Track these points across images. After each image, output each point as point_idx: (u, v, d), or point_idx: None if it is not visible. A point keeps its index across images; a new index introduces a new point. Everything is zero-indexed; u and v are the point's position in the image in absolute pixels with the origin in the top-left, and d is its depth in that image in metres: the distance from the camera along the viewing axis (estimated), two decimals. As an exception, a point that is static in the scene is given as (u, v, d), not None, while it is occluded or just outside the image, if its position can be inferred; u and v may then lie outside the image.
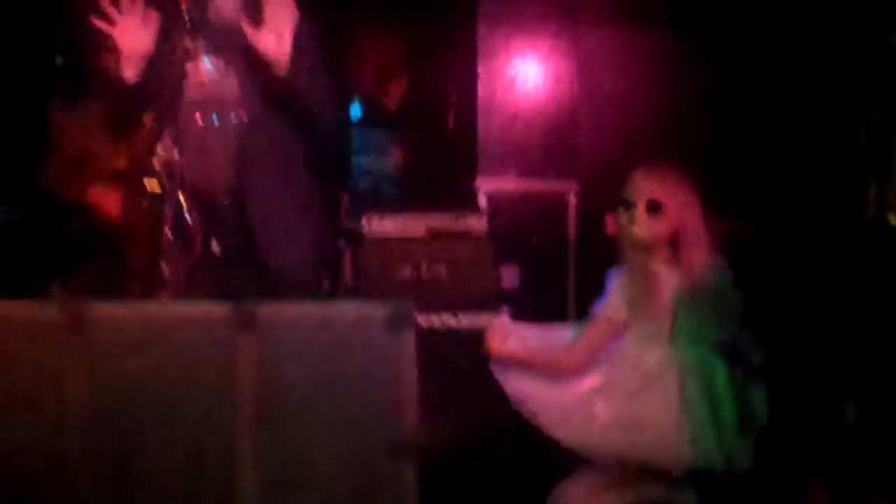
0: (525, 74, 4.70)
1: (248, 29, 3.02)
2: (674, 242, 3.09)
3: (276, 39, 3.01)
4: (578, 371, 3.09)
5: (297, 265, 3.29)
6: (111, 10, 3.00)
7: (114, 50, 3.06)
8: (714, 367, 3.03)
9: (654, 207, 3.06)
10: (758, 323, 3.18)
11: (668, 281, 3.07)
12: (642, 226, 3.06)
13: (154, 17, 3.07)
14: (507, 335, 3.18)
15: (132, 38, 3.04)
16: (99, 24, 3.01)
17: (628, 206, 3.09)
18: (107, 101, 3.25)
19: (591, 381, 3.10)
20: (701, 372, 3.02)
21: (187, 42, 3.02)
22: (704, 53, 4.64)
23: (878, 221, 4.00)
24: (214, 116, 3.15)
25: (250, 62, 3.15)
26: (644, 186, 3.09)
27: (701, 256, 3.08)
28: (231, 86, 3.17)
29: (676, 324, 3.05)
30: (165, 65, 3.08)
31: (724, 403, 3.00)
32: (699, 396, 2.99)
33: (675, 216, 3.06)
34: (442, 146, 5.51)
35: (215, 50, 3.10)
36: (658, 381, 3.02)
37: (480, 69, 4.70)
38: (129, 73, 3.08)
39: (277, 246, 3.17)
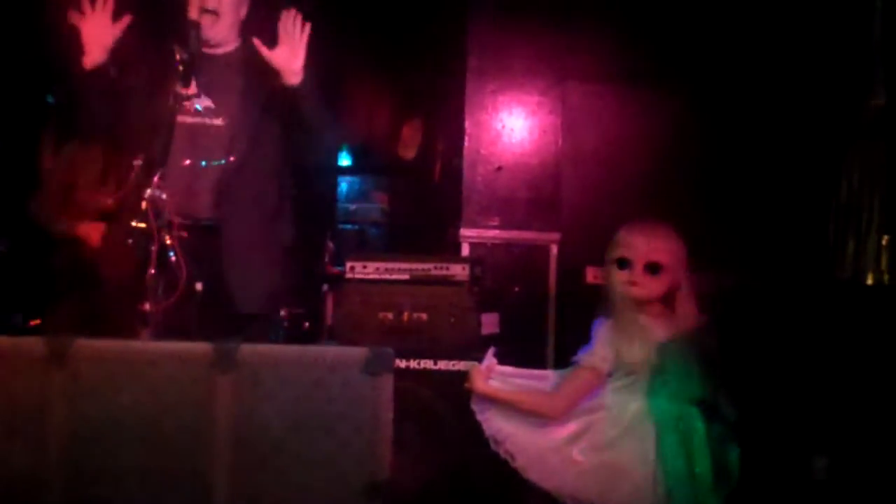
0: (511, 128, 4.78)
1: (262, 48, 3.20)
2: (665, 298, 3.12)
3: (289, 52, 3.22)
4: (559, 418, 3.11)
5: (268, 311, 3.35)
6: (85, 5, 3.17)
7: (79, 42, 3.19)
8: (692, 422, 3.05)
9: (653, 269, 3.07)
10: (733, 377, 3.21)
11: (655, 335, 3.09)
12: (642, 286, 3.07)
13: (126, 20, 3.21)
14: (492, 375, 3.19)
15: (97, 29, 3.19)
16: (72, 15, 3.17)
17: (624, 263, 3.09)
18: (79, 100, 3.33)
19: (570, 427, 3.11)
20: (679, 426, 3.03)
21: (179, 88, 3.08)
22: (688, 111, 4.70)
23: (854, 281, 4.05)
24: (202, 160, 3.22)
25: (247, 98, 3.24)
26: (642, 246, 3.09)
27: (691, 312, 3.11)
28: (221, 125, 3.25)
29: (658, 377, 3.07)
30: (157, 109, 3.14)
31: (700, 458, 3.02)
32: (676, 450, 3.00)
33: (672, 275, 3.09)
34: (427, 194, 5.57)
35: (207, 90, 3.18)
36: (636, 431, 3.04)
37: (467, 122, 4.77)
38: (89, 60, 3.20)
39: (248, 291, 3.24)
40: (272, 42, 3.25)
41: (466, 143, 4.76)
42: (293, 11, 3.25)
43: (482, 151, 4.76)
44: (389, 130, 6.27)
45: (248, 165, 3.30)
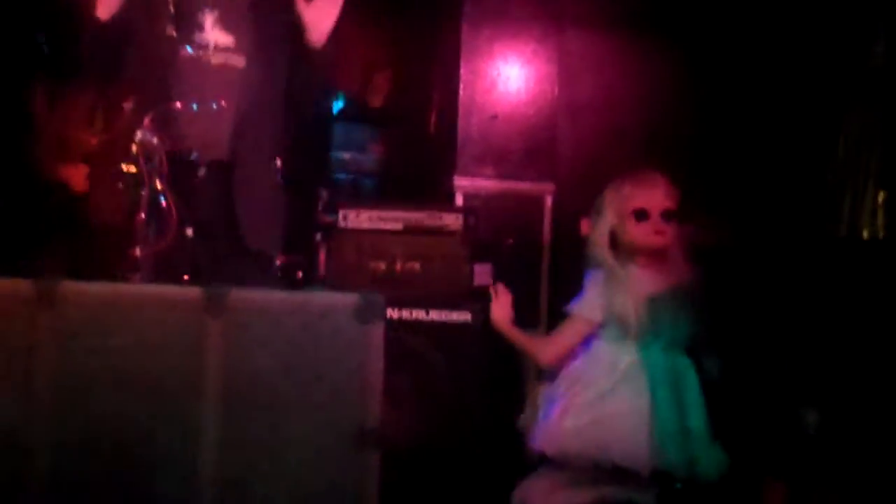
0: (506, 76, 4.72)
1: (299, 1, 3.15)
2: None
3: (323, 12, 3.20)
4: (551, 365, 3.13)
5: (271, 248, 3.33)
6: None
7: None
8: (685, 375, 3.07)
9: (669, 216, 3.08)
10: (724, 331, 3.22)
11: (647, 286, 3.10)
12: (664, 234, 3.08)
13: None
14: (508, 308, 3.22)
15: None
16: None
17: (643, 214, 3.08)
18: (84, 47, 3.27)
19: (563, 380, 3.13)
20: (671, 378, 3.05)
21: (171, 30, 3.04)
22: (685, 60, 4.66)
23: (850, 236, 4.05)
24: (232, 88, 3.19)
25: (265, 41, 3.20)
26: (657, 194, 3.09)
27: (682, 263, 3.12)
28: (237, 62, 3.21)
29: (650, 329, 3.07)
30: (149, 50, 3.10)
31: (694, 412, 3.04)
32: (668, 403, 3.02)
33: (678, 221, 3.10)
34: (422, 144, 5.53)
35: (225, 26, 3.14)
36: (629, 382, 3.05)
37: (463, 70, 4.72)
38: (103, 11, 3.12)
39: (254, 225, 3.21)
40: None
41: (462, 92, 4.70)
42: None
43: (477, 100, 4.71)
44: (378, 80, 6.24)
45: (248, 108, 3.26)
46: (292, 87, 3.35)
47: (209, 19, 3.15)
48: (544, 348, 3.19)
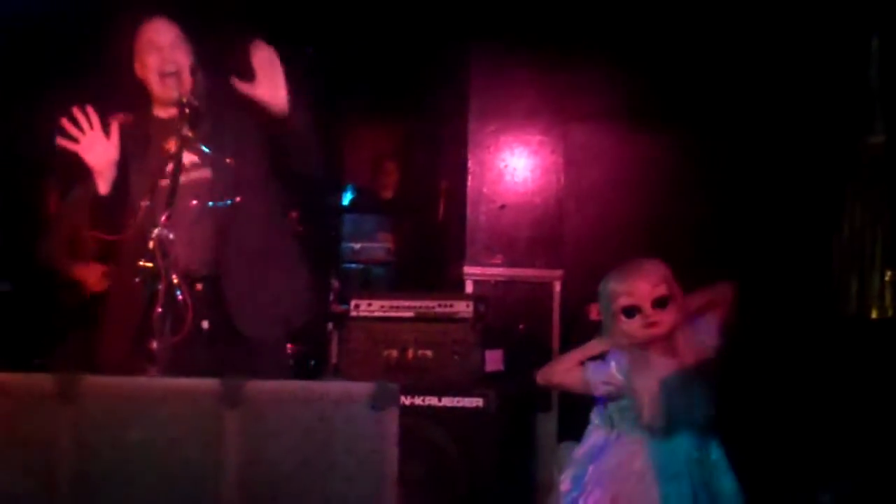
0: (513, 167, 4.82)
1: (241, 85, 3.13)
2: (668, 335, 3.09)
3: (270, 85, 3.13)
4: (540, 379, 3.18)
5: (276, 340, 3.36)
6: (73, 129, 3.11)
7: (85, 166, 3.16)
8: (710, 450, 3.05)
9: (662, 303, 3.04)
10: (739, 412, 3.20)
11: (662, 371, 3.07)
12: (659, 324, 3.03)
13: (116, 126, 3.18)
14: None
15: (98, 153, 3.15)
16: (64, 144, 3.12)
17: (632, 311, 3.04)
18: (90, 216, 3.34)
19: (580, 467, 3.13)
20: (688, 466, 3.02)
21: (185, 131, 3.10)
22: (689, 149, 4.75)
23: (858, 316, 4.06)
24: (204, 200, 3.24)
25: (238, 133, 3.26)
26: (643, 286, 3.04)
27: (691, 344, 3.08)
28: (216, 168, 3.27)
29: (667, 413, 3.04)
30: (157, 163, 3.17)
31: (723, 481, 3.02)
32: (681, 495, 2.99)
33: (678, 301, 3.06)
34: (431, 234, 5.60)
35: (203, 136, 3.20)
36: (647, 475, 3.04)
37: (470, 161, 4.83)
38: (103, 186, 3.19)
39: (254, 318, 3.24)
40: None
41: (469, 182, 4.81)
42: (260, 42, 3.17)
43: (485, 190, 4.81)
44: (388, 171, 6.35)
45: (249, 206, 3.31)
46: (284, 168, 3.38)
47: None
48: (552, 368, 3.21)
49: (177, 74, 3.27)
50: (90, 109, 3.15)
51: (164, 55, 3.27)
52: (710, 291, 3.16)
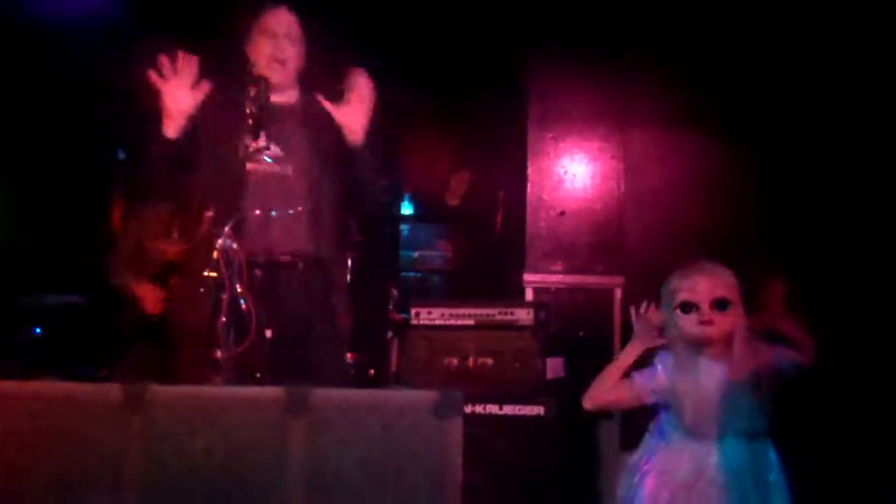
0: (573, 174, 4.81)
1: (326, 103, 3.33)
2: (725, 340, 3.08)
3: (354, 114, 3.33)
4: (586, 404, 3.21)
5: (337, 354, 3.40)
6: (166, 68, 3.24)
7: (159, 109, 3.27)
8: (766, 467, 3.03)
9: (721, 305, 3.05)
10: (806, 413, 3.16)
11: (715, 378, 3.06)
12: (714, 324, 3.05)
13: (205, 86, 3.30)
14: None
15: (178, 97, 3.27)
16: (152, 77, 3.23)
17: (689, 307, 3.07)
18: (152, 164, 3.42)
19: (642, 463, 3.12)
20: (739, 476, 3.00)
21: (248, 141, 3.14)
22: (750, 155, 4.71)
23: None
24: (272, 209, 3.29)
25: (309, 148, 3.32)
26: (705, 284, 3.07)
27: (748, 353, 3.06)
28: (291, 174, 3.32)
29: (720, 420, 3.03)
30: (227, 162, 3.22)
31: (777, 493, 2.99)
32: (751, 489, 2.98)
33: (738, 309, 3.07)
34: (489, 241, 5.61)
35: (275, 139, 3.25)
36: (704, 476, 3.02)
37: (530, 168, 4.82)
38: (171, 130, 3.29)
39: (329, 324, 3.29)
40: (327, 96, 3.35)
41: (529, 190, 4.80)
42: (362, 71, 3.34)
43: (544, 197, 4.80)
44: (461, 180, 6.35)
45: (313, 213, 3.36)
46: (348, 188, 3.46)
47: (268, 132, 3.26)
48: (596, 389, 3.22)
49: (283, 63, 3.39)
50: (187, 55, 3.27)
51: (278, 42, 3.40)
52: (801, 333, 3.14)
